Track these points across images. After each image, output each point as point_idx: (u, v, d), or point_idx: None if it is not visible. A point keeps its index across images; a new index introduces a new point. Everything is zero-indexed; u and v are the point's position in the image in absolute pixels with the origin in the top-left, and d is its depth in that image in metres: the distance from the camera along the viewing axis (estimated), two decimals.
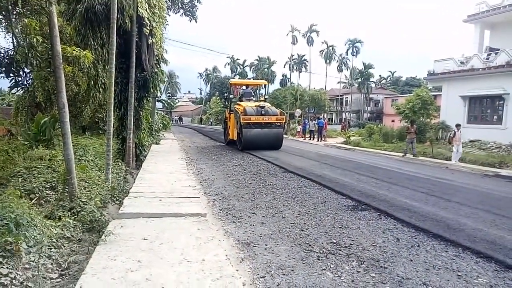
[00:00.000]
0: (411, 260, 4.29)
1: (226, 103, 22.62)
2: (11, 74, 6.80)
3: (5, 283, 2.95)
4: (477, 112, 21.12)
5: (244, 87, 21.76)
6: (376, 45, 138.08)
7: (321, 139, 26.77)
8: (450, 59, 22.71)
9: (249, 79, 62.96)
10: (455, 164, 13.98)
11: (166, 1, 12.69)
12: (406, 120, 22.92)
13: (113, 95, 7.16)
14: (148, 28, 8.84)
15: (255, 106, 17.40)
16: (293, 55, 68.19)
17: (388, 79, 77.56)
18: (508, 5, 20.92)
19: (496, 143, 17.67)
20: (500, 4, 21.57)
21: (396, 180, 9.85)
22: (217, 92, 74.56)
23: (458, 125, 15.14)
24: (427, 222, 5.84)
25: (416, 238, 5.12)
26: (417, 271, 3.98)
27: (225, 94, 23.17)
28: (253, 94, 20.92)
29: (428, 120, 22.72)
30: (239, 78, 79.43)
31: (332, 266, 4.05)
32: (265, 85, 22.29)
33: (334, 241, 4.87)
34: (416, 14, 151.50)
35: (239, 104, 18.21)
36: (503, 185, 10.14)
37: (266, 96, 21.45)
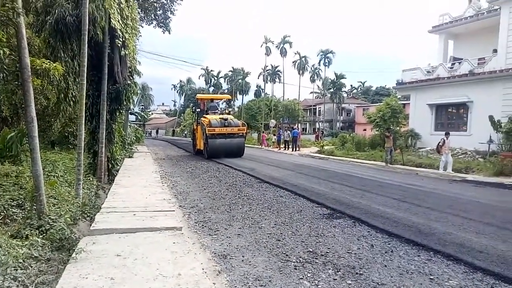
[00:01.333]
0: (385, 266, 4.38)
1: (194, 116, 24.54)
2: None
3: None
4: (444, 119, 21.99)
5: (210, 101, 23.88)
6: (347, 54, 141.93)
7: (296, 149, 27.04)
8: (417, 69, 23.63)
9: (217, 92, 64.39)
10: (446, 173, 13.67)
11: (139, 12, 12.61)
12: (378, 129, 23.55)
13: (84, 108, 6.99)
14: (121, 39, 8.73)
15: (219, 118, 19.23)
16: (267, 66, 69.01)
17: (359, 88, 79.75)
18: (469, 17, 22.08)
19: (462, 149, 18.42)
20: (462, 15, 22.75)
21: (369, 187, 10.06)
22: (191, 104, 74.20)
23: (447, 134, 15.07)
24: (400, 227, 5.99)
25: (389, 244, 5.23)
26: (392, 276, 4.07)
27: (193, 108, 25.32)
28: (217, 107, 22.98)
29: (398, 128, 23.43)
30: (213, 90, 79.63)
31: (309, 275, 4.07)
32: (229, 100, 25.09)
33: (311, 249, 4.90)
34: (386, 24, 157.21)
35: (205, 117, 19.98)
36: (470, 190, 10.55)
37: (230, 109, 24.03)
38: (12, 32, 5.63)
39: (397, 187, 10.27)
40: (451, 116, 21.80)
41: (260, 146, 33.59)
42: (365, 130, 39.73)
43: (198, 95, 29.47)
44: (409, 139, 22.47)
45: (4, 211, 5.26)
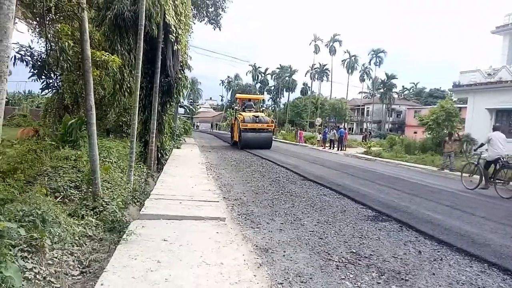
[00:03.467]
0: (434, 274, 4.18)
1: (233, 112, 28.55)
2: (43, 77, 7.05)
3: (29, 277, 3.03)
4: (504, 125, 20.44)
5: (247, 100, 27.61)
6: (399, 55, 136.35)
7: (341, 149, 26.49)
8: (476, 71, 22.18)
9: (264, 89, 66.25)
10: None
11: (191, 9, 12.94)
12: (430, 132, 22.42)
13: (138, 99, 7.32)
14: (174, 35, 9.01)
15: (252, 115, 22.56)
16: (314, 64, 68.20)
17: (411, 90, 76.34)
18: None
19: None
20: None
21: (419, 192, 9.63)
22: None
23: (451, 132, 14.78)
24: (451, 235, 5.67)
25: (439, 252, 4.98)
26: (440, 286, 3.87)
27: (233, 105, 29.58)
28: (253, 105, 26.27)
29: (452, 132, 22.15)
30: (260, 86, 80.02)
31: (351, 276, 3.98)
32: (263, 100, 30.90)
33: (354, 250, 4.79)
34: (442, 24, 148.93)
35: (241, 114, 23.56)
36: None
37: (263, 108, 29.31)
38: (76, 26, 6.00)
39: (449, 194, 9.74)
40: None
41: (297, 142, 34.03)
42: (415, 133, 37.97)
43: (237, 95, 33.42)
44: (464, 144, 21.17)
45: (64, 192, 5.65)
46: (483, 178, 10.18)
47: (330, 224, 6.00)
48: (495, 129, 11.44)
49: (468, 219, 6.87)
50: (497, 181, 9.92)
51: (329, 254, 4.61)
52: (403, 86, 75.72)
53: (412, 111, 52.02)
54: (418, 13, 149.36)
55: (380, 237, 5.45)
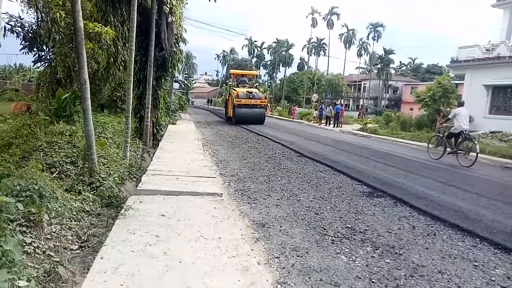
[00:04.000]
0: (427, 248, 4.26)
1: (227, 88, 28.84)
2: (35, 49, 6.89)
3: (29, 251, 3.05)
4: (500, 102, 20.48)
5: (241, 76, 27.67)
6: (398, 29, 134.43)
7: (338, 125, 26.51)
8: (475, 46, 21.97)
9: (260, 63, 66.36)
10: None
11: None
12: (426, 109, 22.45)
13: (132, 73, 7.19)
14: (168, 6, 8.79)
15: (246, 91, 22.87)
16: (312, 38, 67.23)
17: (409, 65, 75.82)
18: None
19: None
20: None
21: (414, 168, 9.72)
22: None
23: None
24: (444, 211, 5.76)
25: (432, 227, 5.07)
26: (433, 259, 3.96)
27: (226, 81, 30.86)
28: (247, 81, 26.34)
29: (449, 109, 22.18)
30: (256, 61, 79.09)
31: (346, 250, 4.05)
32: (256, 75, 31.05)
33: (349, 226, 4.86)
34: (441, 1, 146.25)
35: (234, 89, 23.81)
36: None
37: (257, 84, 29.24)
38: None
39: (444, 170, 9.84)
40: (508, 99, 20.25)
41: (291, 118, 34.27)
42: (411, 109, 38.03)
43: (231, 70, 33.21)
44: None
45: (60, 167, 5.64)
46: (449, 147, 11.44)
47: (325, 200, 6.06)
48: (460, 105, 12.18)
49: (462, 195, 6.97)
50: (459, 151, 11.09)
51: (324, 229, 4.68)
52: (400, 62, 75.23)
53: (409, 88, 51.86)
54: None
55: (375, 213, 5.53)
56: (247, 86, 25.32)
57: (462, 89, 23.38)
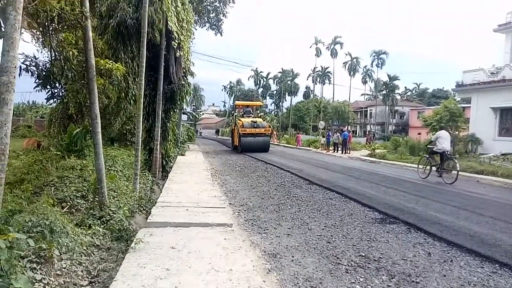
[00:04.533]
0: (444, 276, 4.13)
1: (232, 118, 30.11)
2: (48, 86, 7.10)
3: None
4: (509, 124, 20.37)
5: (246, 107, 29.27)
6: (401, 56, 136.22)
7: (346, 152, 26.42)
8: (480, 70, 22.12)
9: (266, 93, 69.45)
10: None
11: (193, 15, 13.01)
12: (434, 133, 22.33)
13: (142, 107, 7.34)
14: (176, 41, 9.05)
15: (251, 121, 24.12)
16: (316, 67, 68.37)
17: (414, 91, 76.13)
18: None
19: None
20: None
21: (425, 193, 9.56)
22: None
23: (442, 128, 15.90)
24: (460, 236, 5.62)
25: (448, 253, 4.93)
26: (451, 287, 3.83)
27: (232, 112, 32.47)
28: (251, 111, 27.97)
29: (457, 132, 22.08)
30: (262, 91, 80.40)
31: (361, 279, 3.95)
32: (261, 106, 32.74)
33: (363, 254, 4.75)
34: (443, 24, 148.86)
35: (240, 120, 24.95)
36: None
37: (260, 114, 30.38)
38: (79, 35, 6.04)
39: (455, 194, 9.66)
40: None
41: (295, 146, 34.86)
42: (419, 134, 37.82)
43: (236, 102, 35.57)
44: (469, 144, 21.07)
45: (70, 201, 5.65)
46: (433, 167, 12.59)
47: (337, 228, 5.97)
48: (442, 128, 14.92)
49: (477, 219, 6.81)
50: (443, 170, 12.20)
51: (338, 258, 4.58)
52: (405, 87, 75.58)
53: (416, 112, 51.87)
54: (419, 14, 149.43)
55: (388, 240, 5.41)
56: (252, 116, 26.62)
57: (469, 112, 23.34)
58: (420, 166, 13.46)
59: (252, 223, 6.14)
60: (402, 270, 4.24)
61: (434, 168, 12.56)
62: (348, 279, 3.95)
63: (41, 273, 3.22)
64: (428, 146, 13.92)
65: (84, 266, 3.74)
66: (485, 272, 4.28)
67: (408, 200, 8.45)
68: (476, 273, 4.24)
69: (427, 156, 13.24)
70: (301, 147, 33.51)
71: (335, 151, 27.73)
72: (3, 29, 4.36)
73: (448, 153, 12.36)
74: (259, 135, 23.49)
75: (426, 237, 5.64)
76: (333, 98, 68.12)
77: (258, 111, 31.07)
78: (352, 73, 66.32)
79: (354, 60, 65.91)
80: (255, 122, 24.06)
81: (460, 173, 14.59)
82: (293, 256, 4.58)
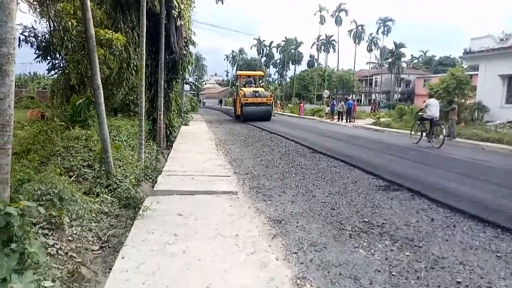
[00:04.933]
0: (447, 240, 4.20)
1: (234, 88, 30.76)
2: (48, 57, 7.03)
3: (52, 253, 3.11)
4: None
5: (247, 77, 29.53)
6: (408, 23, 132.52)
7: (350, 121, 26.30)
8: (488, 37, 21.55)
9: (269, 62, 73.97)
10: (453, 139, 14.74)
11: None
12: (440, 101, 22.07)
13: (144, 77, 7.28)
14: (177, 10, 8.86)
15: (252, 91, 24.44)
16: (320, 36, 66.93)
17: (420, 58, 74.61)
18: None
19: None
20: None
21: (430, 161, 9.58)
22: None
23: (452, 101, 16.54)
24: (463, 202, 5.67)
25: (451, 219, 4.99)
26: (453, 251, 3.90)
27: (234, 82, 32.80)
28: (253, 81, 27.85)
29: (464, 100, 21.77)
30: (265, 60, 79.25)
31: (364, 244, 4.02)
32: (262, 76, 32.33)
33: (366, 220, 4.82)
34: None
35: (241, 90, 25.31)
36: None
37: (262, 83, 30.78)
38: (78, 4, 5.90)
39: (460, 162, 9.68)
40: None
41: (298, 115, 34.80)
42: (425, 102, 37.38)
43: (238, 72, 36.40)
44: (475, 112, 20.83)
45: (77, 171, 5.73)
46: (425, 133, 13.50)
47: (341, 195, 6.03)
48: (431, 96, 15.63)
49: (481, 186, 6.86)
50: (432, 135, 13.17)
51: (341, 224, 4.66)
52: (412, 55, 73.99)
53: (422, 80, 51.02)
54: None
55: (392, 206, 5.47)
56: (254, 86, 26.83)
57: (476, 80, 22.92)
58: (412, 132, 14.21)
59: (257, 191, 6.21)
60: (405, 235, 4.31)
61: (424, 134, 13.53)
62: (351, 243, 4.03)
63: (53, 239, 3.31)
64: (418, 113, 14.83)
65: (94, 232, 3.84)
66: (487, 237, 4.34)
67: (412, 168, 8.48)
68: (478, 238, 4.30)
69: (418, 122, 14.03)
70: (305, 116, 33.36)
71: (340, 120, 27.61)
72: None
73: (437, 119, 13.16)
74: (260, 104, 24.04)
75: (430, 203, 5.69)
76: (338, 66, 67.26)
77: (261, 81, 31.35)
78: (357, 41, 64.94)
79: (360, 27, 64.37)
80: (257, 91, 24.44)
81: (465, 140, 14.65)
82: (297, 222, 4.66)
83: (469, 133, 15.85)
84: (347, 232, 4.38)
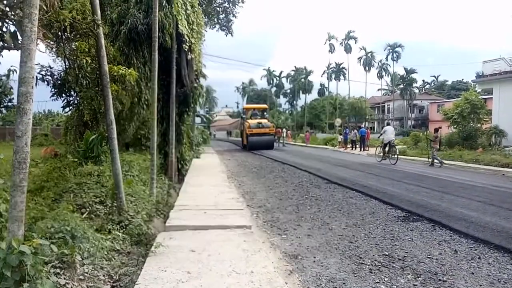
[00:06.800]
0: (473, 273, 3.97)
1: (241, 120, 33.48)
2: (63, 95, 7.19)
3: None
4: None
5: (253, 110, 33.14)
6: (418, 48, 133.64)
7: (364, 149, 26.04)
8: (500, 59, 21.48)
9: (279, 92, 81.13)
10: (441, 165, 15.37)
11: (203, 17, 13.05)
12: (456, 126, 21.84)
13: (156, 111, 7.36)
14: (187, 44, 9.06)
15: (257, 122, 27.66)
16: (330, 64, 67.68)
17: (432, 84, 74.54)
18: None
19: None
20: None
21: (449, 189, 9.29)
22: (256, 104, 75.00)
23: (437, 130, 17.27)
24: (487, 232, 5.41)
25: (476, 250, 4.74)
26: (480, 285, 3.67)
27: (242, 115, 35.35)
28: (258, 113, 31.53)
29: (479, 125, 21.46)
30: (275, 90, 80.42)
31: (386, 279, 3.82)
32: (265, 108, 35.77)
33: (386, 253, 4.61)
34: (460, 13, 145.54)
35: (247, 121, 28.44)
36: None
37: (266, 115, 34.87)
38: (92, 42, 6.07)
39: (481, 189, 9.36)
40: None
41: (305, 144, 36.38)
42: (440, 127, 36.96)
43: (244, 105, 41.48)
44: (492, 136, 20.45)
45: (89, 207, 5.69)
46: (383, 153, 17.12)
47: (359, 227, 5.82)
48: (388, 124, 21.43)
49: (504, 214, 6.57)
50: (389, 155, 16.65)
51: (360, 257, 4.46)
52: (423, 80, 74.02)
53: (435, 106, 50.74)
54: (433, 3, 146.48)
55: (412, 238, 5.25)
56: (258, 117, 30.19)
57: (491, 104, 22.65)
58: (377, 153, 18.17)
59: (271, 225, 6.05)
60: (428, 269, 4.09)
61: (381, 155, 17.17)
62: (372, 279, 3.83)
63: (64, 278, 3.24)
64: (379, 137, 19.12)
65: (105, 271, 3.75)
66: None
67: (431, 197, 8.21)
68: (506, 270, 4.06)
69: (380, 145, 17.82)
70: (318, 146, 33.28)
71: (353, 149, 27.37)
72: (19, 41, 4.42)
73: (392, 142, 16.74)
74: (264, 134, 26.81)
75: (452, 234, 5.45)
76: (349, 94, 67.28)
77: (265, 113, 34.69)
78: (367, 68, 65.20)
79: (369, 54, 64.84)
80: (261, 123, 27.52)
81: (484, 167, 14.31)
82: (314, 257, 4.48)
83: (487, 159, 15.46)
84: (367, 266, 4.18)
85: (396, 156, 16.11)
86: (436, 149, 16.08)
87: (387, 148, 16.78)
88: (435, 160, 15.73)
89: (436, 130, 17.25)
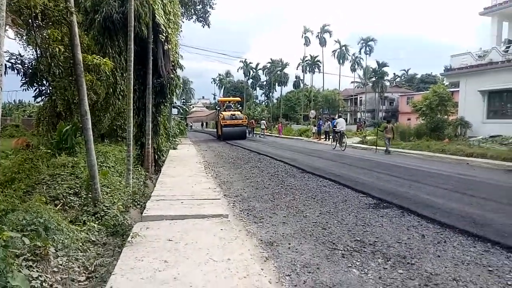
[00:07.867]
0: (439, 256, 4.21)
1: (216, 112, 36.12)
2: (35, 84, 6.97)
3: (36, 286, 3.01)
4: (497, 107, 20.61)
5: (227, 102, 35.31)
6: (390, 42, 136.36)
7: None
8: (467, 54, 22.26)
9: (256, 84, 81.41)
10: (387, 153, 17.27)
11: (179, 8, 12.85)
12: (424, 118, 22.58)
13: (132, 102, 7.26)
14: (164, 34, 8.95)
15: (230, 114, 29.59)
16: (306, 57, 68.10)
17: (403, 77, 76.45)
18: None
19: None
20: None
21: (417, 177, 9.68)
22: (231, 97, 74.74)
23: (389, 121, 20.27)
24: (452, 218, 5.72)
25: (442, 234, 5.02)
26: (446, 267, 3.90)
27: (216, 107, 37.65)
28: (232, 106, 33.58)
29: (446, 116, 22.28)
30: (252, 82, 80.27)
31: (357, 263, 4.00)
32: (239, 101, 38.51)
33: (358, 238, 4.81)
34: (430, 8, 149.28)
35: (222, 113, 30.40)
36: None
37: (239, 107, 37.02)
38: (65, 30, 5.91)
39: (447, 177, 9.80)
40: (505, 103, 20.36)
41: (278, 135, 37.34)
42: (409, 119, 38.17)
43: (218, 98, 44.03)
44: (458, 128, 21.31)
45: (63, 199, 5.61)
46: (336, 141, 19.93)
47: (332, 215, 6.02)
48: (339, 116, 24.69)
49: (468, 200, 6.94)
50: (341, 143, 19.28)
51: (333, 243, 4.63)
52: (394, 74, 75.67)
53: (405, 98, 52.22)
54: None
55: (383, 224, 5.48)
56: (232, 109, 31.97)
57: (457, 96, 23.54)
58: (330, 142, 21.42)
59: (247, 213, 6.16)
60: (397, 253, 4.31)
61: (334, 143, 20.02)
62: (344, 263, 4.00)
63: (37, 271, 3.20)
64: (333, 128, 21.11)
65: (80, 262, 3.74)
66: (477, 251, 4.37)
67: (401, 185, 8.54)
68: (469, 253, 4.33)
69: (333, 134, 20.57)
70: (292, 137, 33.60)
71: (326, 140, 27.81)
72: None
73: (342, 132, 19.50)
74: (237, 125, 28.76)
75: (420, 220, 5.73)
76: (323, 86, 68.20)
77: (239, 105, 37.01)
78: (341, 61, 66.16)
79: (343, 48, 65.75)
80: (234, 114, 29.47)
81: (450, 156, 14.91)
82: (289, 244, 4.62)
83: (453, 149, 16.14)
84: (340, 251, 4.36)
85: (344, 143, 19.15)
86: (387, 138, 17.96)
87: (338, 136, 19.46)
88: (386, 148, 17.70)
89: (388, 122, 19.96)
